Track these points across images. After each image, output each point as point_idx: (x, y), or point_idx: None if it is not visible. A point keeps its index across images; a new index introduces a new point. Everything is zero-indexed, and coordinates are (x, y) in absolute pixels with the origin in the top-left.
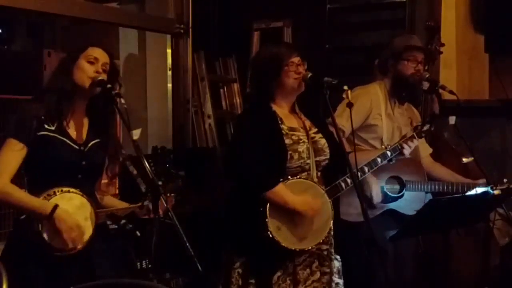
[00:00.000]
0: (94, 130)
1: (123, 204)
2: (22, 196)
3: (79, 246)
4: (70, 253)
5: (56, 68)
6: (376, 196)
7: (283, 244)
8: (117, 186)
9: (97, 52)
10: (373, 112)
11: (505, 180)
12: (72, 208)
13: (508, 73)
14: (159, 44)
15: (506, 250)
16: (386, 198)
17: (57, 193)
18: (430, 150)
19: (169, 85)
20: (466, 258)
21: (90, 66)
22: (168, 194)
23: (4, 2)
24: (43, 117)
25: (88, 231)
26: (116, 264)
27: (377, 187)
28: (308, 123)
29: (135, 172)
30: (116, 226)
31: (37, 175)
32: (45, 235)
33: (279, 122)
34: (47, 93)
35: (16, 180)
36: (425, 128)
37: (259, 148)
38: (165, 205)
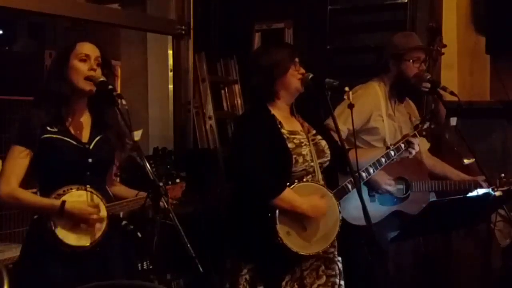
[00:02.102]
0: (98, 125)
1: (131, 192)
2: (31, 198)
3: (91, 241)
4: (86, 249)
5: (49, 71)
6: (391, 186)
7: (294, 250)
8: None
9: (86, 48)
10: (374, 114)
11: (502, 175)
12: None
13: (509, 74)
14: (160, 45)
15: (507, 251)
16: (392, 200)
17: (66, 192)
18: (428, 144)
19: (170, 86)
20: (467, 259)
21: (83, 65)
22: (178, 181)
23: (6, 3)
24: (44, 121)
25: (101, 225)
26: (129, 259)
27: (385, 179)
28: (306, 125)
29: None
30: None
31: (46, 178)
32: (58, 234)
33: (279, 126)
34: (46, 97)
35: (26, 185)
36: (425, 126)
37: (263, 154)
38: (166, 206)
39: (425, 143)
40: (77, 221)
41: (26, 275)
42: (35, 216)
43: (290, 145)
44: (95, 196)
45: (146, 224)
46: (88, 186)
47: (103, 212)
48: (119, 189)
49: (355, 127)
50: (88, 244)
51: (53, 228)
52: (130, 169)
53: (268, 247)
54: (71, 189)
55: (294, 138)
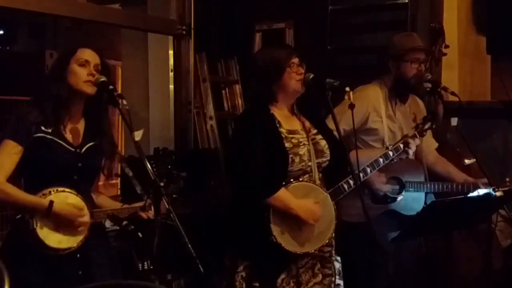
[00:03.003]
0: (91, 131)
1: (115, 205)
2: (19, 194)
3: (73, 245)
4: (66, 252)
5: (49, 73)
6: (383, 187)
7: (287, 248)
8: (119, 187)
9: (87, 54)
10: (372, 116)
11: (507, 179)
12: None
13: (510, 74)
14: (161, 46)
15: (508, 252)
16: (386, 199)
17: (52, 193)
18: (436, 144)
19: (171, 87)
20: (468, 259)
21: (83, 70)
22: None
23: (6, 3)
24: (40, 120)
25: (84, 230)
26: (113, 263)
27: (379, 179)
28: (307, 124)
29: (130, 174)
30: (117, 227)
31: (33, 176)
32: (39, 234)
33: (278, 125)
34: (44, 99)
35: (13, 180)
36: (426, 126)
37: (260, 153)
38: (167, 206)
39: (432, 142)
40: (61, 223)
41: None
42: (18, 216)
43: (287, 144)
44: (80, 200)
45: (146, 224)
46: (73, 190)
47: (87, 217)
48: (104, 200)
49: (350, 128)
50: (68, 247)
51: (34, 227)
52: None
53: (263, 245)
54: (57, 190)
55: (292, 138)
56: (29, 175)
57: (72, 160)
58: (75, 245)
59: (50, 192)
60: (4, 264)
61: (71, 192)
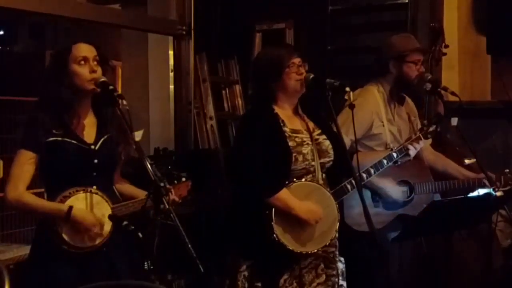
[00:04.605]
0: (104, 125)
1: (139, 191)
2: (38, 202)
3: (98, 242)
4: (92, 249)
5: (47, 76)
6: (396, 194)
7: (289, 247)
8: None
9: (83, 50)
10: (375, 121)
11: (506, 170)
12: (87, 207)
13: (510, 74)
14: (161, 46)
15: (508, 252)
16: (396, 204)
17: (72, 195)
18: (430, 140)
19: (171, 87)
20: (468, 259)
21: (84, 68)
22: (184, 179)
23: (7, 4)
24: (50, 125)
25: (107, 226)
26: (134, 259)
27: (391, 186)
28: (311, 124)
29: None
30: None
31: (52, 179)
32: (64, 235)
33: (281, 124)
34: (48, 102)
35: (34, 183)
36: (431, 129)
37: (262, 152)
38: (167, 207)
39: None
40: (80, 229)
41: (32, 274)
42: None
43: (291, 143)
44: (100, 198)
45: (147, 224)
46: (94, 187)
47: (106, 227)
48: (127, 188)
49: (357, 137)
50: (93, 244)
51: (59, 229)
52: (132, 164)
53: (266, 244)
54: (77, 191)
55: (296, 137)
56: (49, 180)
57: (87, 158)
58: (98, 242)
59: (70, 193)
60: (34, 265)
61: (90, 192)
